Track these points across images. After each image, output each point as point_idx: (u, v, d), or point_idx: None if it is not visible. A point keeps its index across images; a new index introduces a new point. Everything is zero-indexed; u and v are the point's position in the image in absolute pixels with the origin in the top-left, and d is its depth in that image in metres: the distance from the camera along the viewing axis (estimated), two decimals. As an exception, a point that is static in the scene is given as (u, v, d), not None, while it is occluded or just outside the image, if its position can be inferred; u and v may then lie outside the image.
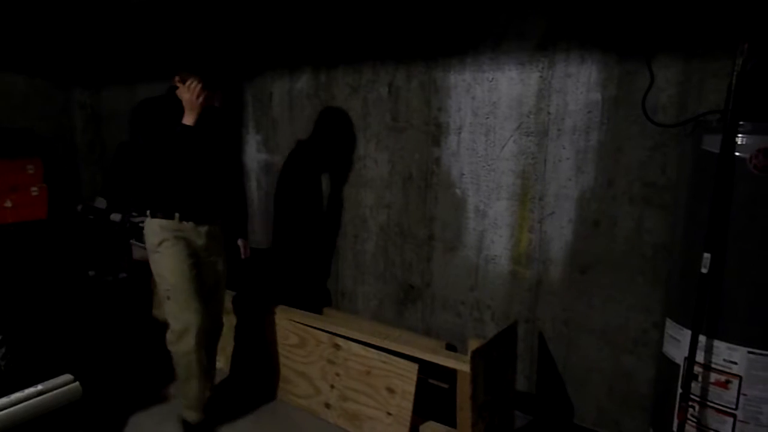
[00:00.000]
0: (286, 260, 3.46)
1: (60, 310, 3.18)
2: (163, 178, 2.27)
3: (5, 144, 3.87)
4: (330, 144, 3.09)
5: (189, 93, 2.14)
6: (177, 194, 2.28)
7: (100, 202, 4.40)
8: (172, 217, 2.27)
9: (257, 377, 2.83)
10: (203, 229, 2.34)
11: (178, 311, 2.26)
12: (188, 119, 2.16)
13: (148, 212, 2.31)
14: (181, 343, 2.27)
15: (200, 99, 2.15)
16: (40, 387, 2.14)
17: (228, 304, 2.74)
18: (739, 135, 1.56)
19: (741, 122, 1.56)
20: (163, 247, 2.26)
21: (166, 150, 2.16)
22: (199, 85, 2.14)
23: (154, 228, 2.29)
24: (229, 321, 2.77)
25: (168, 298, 2.27)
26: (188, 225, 2.30)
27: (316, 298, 3.24)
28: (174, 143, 2.15)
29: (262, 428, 2.52)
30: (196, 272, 2.30)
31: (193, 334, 2.24)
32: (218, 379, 2.64)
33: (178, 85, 2.21)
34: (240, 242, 2.65)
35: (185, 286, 2.25)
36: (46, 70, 4.39)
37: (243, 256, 2.67)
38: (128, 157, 2.23)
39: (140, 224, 3.77)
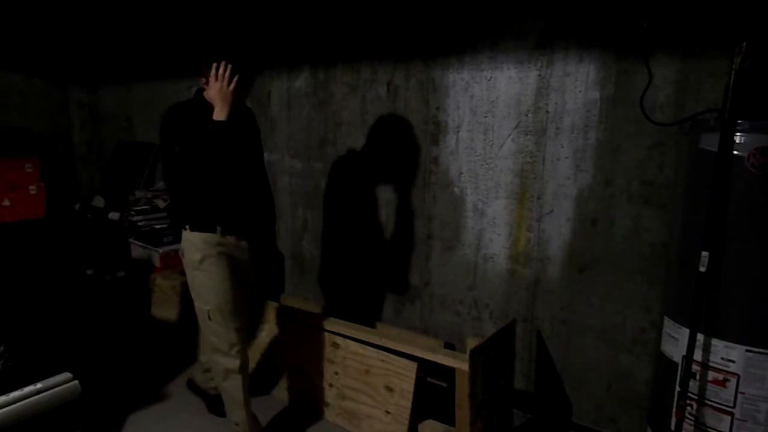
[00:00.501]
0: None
1: (59, 309, 3.17)
2: (202, 187, 2.05)
3: (3, 143, 3.87)
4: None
5: (219, 82, 1.89)
6: (217, 205, 2.09)
7: (99, 201, 4.40)
8: (213, 231, 2.08)
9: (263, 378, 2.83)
10: (244, 243, 2.19)
11: (220, 333, 2.12)
12: (219, 113, 1.91)
13: (186, 226, 2.10)
14: (226, 368, 2.15)
15: (232, 87, 1.89)
16: (39, 385, 2.15)
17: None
18: (737, 133, 1.57)
19: (739, 121, 1.57)
20: (206, 265, 2.08)
21: (200, 153, 1.92)
22: (229, 71, 1.89)
23: (195, 243, 2.09)
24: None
25: (208, 318, 2.12)
26: (231, 239, 2.13)
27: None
28: (207, 143, 1.91)
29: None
30: (238, 290, 2.16)
31: (238, 357, 2.13)
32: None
33: (204, 87, 2.01)
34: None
35: (228, 307, 2.10)
36: (44, 69, 4.39)
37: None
38: (166, 166, 2.06)
39: (139, 223, 3.79)
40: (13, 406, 2.05)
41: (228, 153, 1.95)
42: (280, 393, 2.73)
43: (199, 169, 1.96)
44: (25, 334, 2.62)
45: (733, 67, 1.56)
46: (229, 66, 1.89)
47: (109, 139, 4.66)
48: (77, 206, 4.46)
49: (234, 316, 2.12)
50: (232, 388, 2.18)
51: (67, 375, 2.25)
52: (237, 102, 1.96)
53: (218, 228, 2.09)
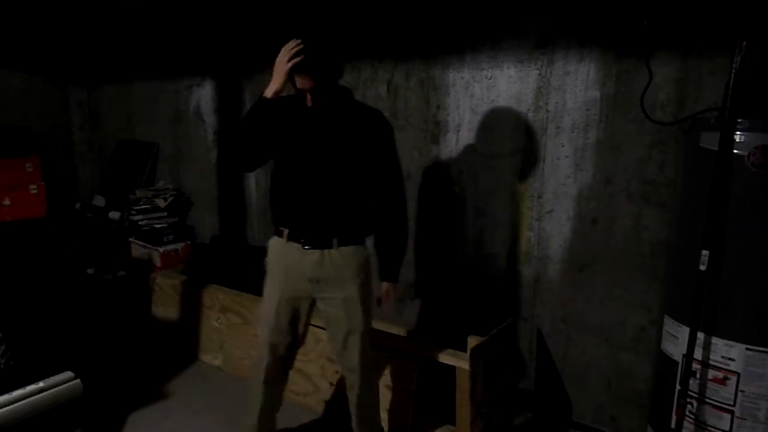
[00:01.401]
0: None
1: (60, 308, 3.18)
2: (272, 183, 1.95)
3: (4, 142, 3.87)
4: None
5: (280, 55, 1.71)
6: (285, 205, 1.92)
7: (99, 200, 4.40)
8: (280, 235, 1.92)
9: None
10: (314, 255, 1.87)
11: (260, 339, 2.07)
12: (268, 89, 1.75)
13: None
14: (253, 371, 2.10)
15: (289, 64, 1.68)
16: (41, 384, 2.15)
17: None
18: (738, 132, 1.57)
19: (739, 120, 1.57)
20: (268, 272, 1.98)
21: (237, 126, 1.81)
22: (295, 48, 1.68)
23: (269, 246, 2.00)
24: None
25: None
26: (294, 247, 1.88)
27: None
28: (246, 119, 1.78)
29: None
30: (292, 316, 1.96)
31: (263, 369, 2.01)
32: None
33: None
34: (383, 285, 2.05)
35: (269, 323, 1.96)
36: (44, 69, 4.38)
37: (380, 303, 2.07)
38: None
39: (139, 222, 3.79)
40: (15, 404, 2.06)
41: (263, 132, 1.78)
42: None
43: (238, 146, 1.82)
44: (27, 333, 2.62)
45: (734, 66, 1.56)
46: (298, 44, 1.69)
47: (109, 138, 4.65)
48: (78, 205, 4.46)
49: (272, 334, 1.96)
50: (253, 392, 2.08)
51: (68, 374, 2.25)
52: (312, 92, 1.75)
53: (285, 231, 1.90)
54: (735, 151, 1.57)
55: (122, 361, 3.04)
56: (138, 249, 3.84)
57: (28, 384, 2.13)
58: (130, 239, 3.87)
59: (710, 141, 1.63)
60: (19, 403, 2.06)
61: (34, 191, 3.87)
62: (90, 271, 4.01)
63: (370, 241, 2.02)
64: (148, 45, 4.07)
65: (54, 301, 3.18)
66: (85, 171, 4.79)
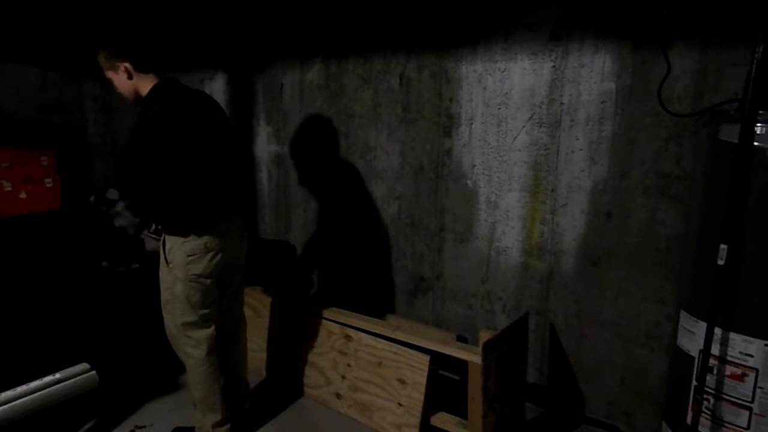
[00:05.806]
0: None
1: (75, 301, 3.22)
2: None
3: (19, 135, 3.91)
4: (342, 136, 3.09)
5: None
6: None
7: (112, 194, 4.44)
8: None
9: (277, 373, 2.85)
10: None
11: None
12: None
13: None
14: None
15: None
16: (57, 375, 2.19)
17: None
18: (759, 124, 1.54)
19: (761, 111, 1.54)
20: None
21: None
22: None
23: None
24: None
25: None
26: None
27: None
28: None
29: (274, 418, 2.54)
30: None
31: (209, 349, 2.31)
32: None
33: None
34: None
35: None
36: (58, 62, 4.41)
37: None
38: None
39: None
40: (32, 395, 2.09)
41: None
42: (296, 388, 2.75)
43: None
44: (44, 325, 2.66)
45: (755, 56, 1.53)
46: None
47: (123, 131, 4.69)
48: (92, 198, 4.50)
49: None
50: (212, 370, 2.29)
51: (84, 365, 2.29)
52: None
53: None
54: (756, 143, 1.54)
55: (137, 353, 3.08)
56: (151, 242, 3.86)
57: (45, 375, 2.17)
58: (144, 232, 3.90)
59: (730, 133, 1.60)
60: (36, 394, 2.10)
61: (50, 184, 3.91)
62: (104, 263, 4.05)
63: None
64: (161, 39, 4.07)
65: (69, 294, 3.22)
66: (99, 164, 4.83)
